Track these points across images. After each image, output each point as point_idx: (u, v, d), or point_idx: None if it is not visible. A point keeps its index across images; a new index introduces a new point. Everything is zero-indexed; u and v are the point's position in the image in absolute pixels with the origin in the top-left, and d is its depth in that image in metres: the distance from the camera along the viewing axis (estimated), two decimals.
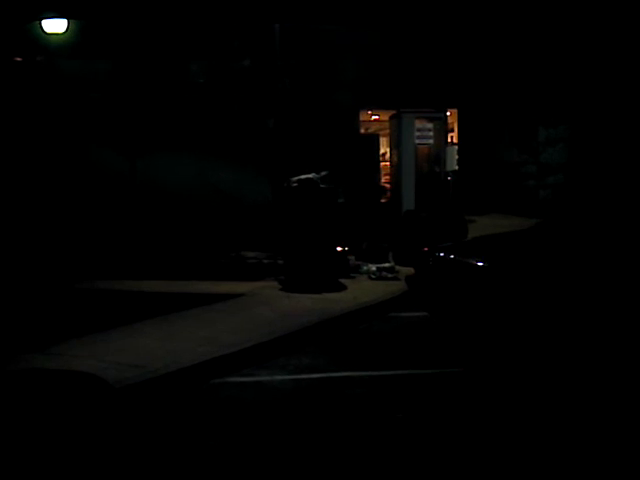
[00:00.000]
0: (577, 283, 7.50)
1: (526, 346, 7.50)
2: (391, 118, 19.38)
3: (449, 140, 19.45)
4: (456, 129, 20.19)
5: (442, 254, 8.97)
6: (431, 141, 18.64)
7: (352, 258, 12.68)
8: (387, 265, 12.24)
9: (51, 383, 6.71)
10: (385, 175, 19.81)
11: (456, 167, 18.87)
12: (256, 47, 14.68)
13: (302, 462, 5.55)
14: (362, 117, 19.51)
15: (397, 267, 12.22)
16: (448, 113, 19.46)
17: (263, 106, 14.63)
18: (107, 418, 6.29)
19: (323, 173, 11.54)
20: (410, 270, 10.09)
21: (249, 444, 5.85)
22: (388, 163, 19.95)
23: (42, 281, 10.98)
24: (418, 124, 18.47)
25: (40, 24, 13.29)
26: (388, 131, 19.84)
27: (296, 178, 11.48)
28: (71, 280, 11.42)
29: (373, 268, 12.16)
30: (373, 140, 19.51)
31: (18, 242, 11.92)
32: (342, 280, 11.62)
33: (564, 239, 8.37)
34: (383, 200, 18.60)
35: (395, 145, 18.94)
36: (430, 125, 18.62)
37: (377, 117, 20.79)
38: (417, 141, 18.27)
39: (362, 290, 11.12)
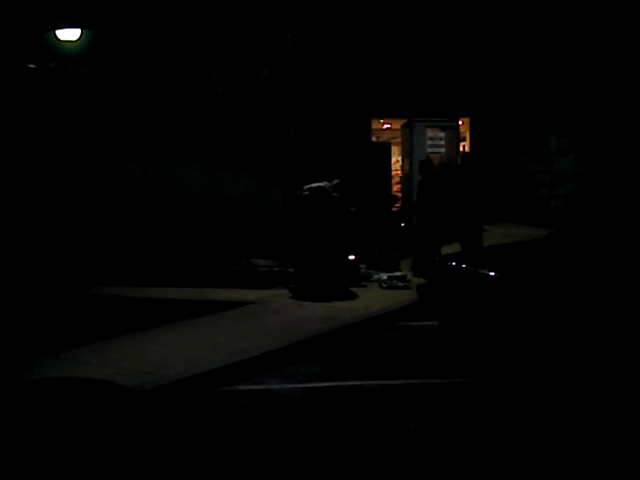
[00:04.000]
0: (588, 293, 7.48)
1: (537, 356, 7.48)
2: (403, 127, 19.40)
3: (461, 149, 19.45)
4: (468, 138, 20.19)
5: (453, 263, 8.96)
6: (443, 150, 18.64)
7: (363, 267, 12.68)
8: (398, 274, 12.23)
9: (76, 391, 6.77)
10: (396, 184, 19.82)
11: None
12: (273, 57, 14.73)
13: (312, 471, 5.54)
14: (374, 125, 19.56)
15: (409, 276, 12.21)
16: (460, 122, 19.47)
17: (281, 115, 14.66)
18: (128, 425, 6.34)
19: (335, 181, 11.55)
20: (421, 280, 10.11)
21: (259, 453, 5.84)
22: (399, 172, 19.96)
23: (54, 287, 11.01)
24: (430, 133, 18.49)
25: (54, 32, 13.35)
26: (400, 140, 19.86)
27: (307, 186, 11.49)
28: (83, 286, 11.45)
29: (384, 277, 12.15)
30: (385, 149, 19.55)
31: (29, 247, 11.96)
32: (353, 289, 11.61)
33: (576, 249, 8.34)
34: (394, 209, 18.61)
35: (407, 154, 18.95)
36: (442, 134, 18.63)
37: (389, 126, 20.82)
38: (429, 150, 18.28)
39: (373, 299, 11.11)
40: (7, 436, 5.72)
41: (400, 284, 11.92)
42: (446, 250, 12.64)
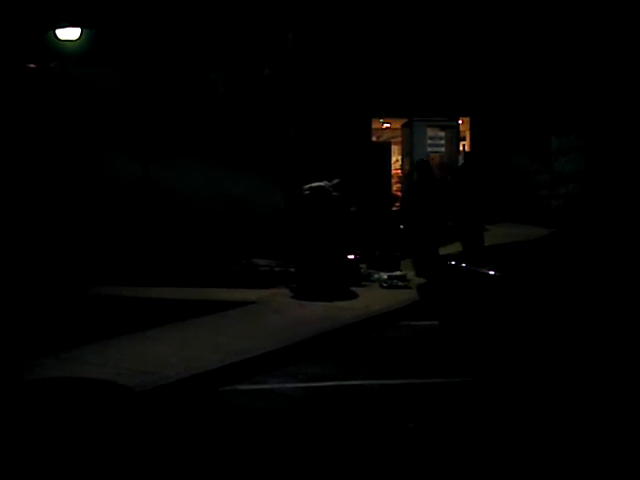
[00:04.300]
0: (589, 293, 7.47)
1: (538, 356, 7.47)
2: (403, 126, 19.41)
3: (461, 148, 19.46)
4: (468, 137, 20.19)
5: (454, 263, 8.96)
6: (443, 149, 18.65)
7: (364, 266, 12.68)
8: (398, 273, 12.22)
9: (77, 391, 6.77)
10: (396, 183, 19.83)
11: None
12: (274, 57, 14.72)
13: (313, 471, 5.54)
14: (374, 125, 19.56)
15: (409, 275, 12.21)
16: (460, 121, 19.47)
17: (282, 115, 14.65)
18: (129, 425, 6.34)
19: (335, 181, 11.55)
20: (422, 280, 10.08)
21: (260, 452, 5.84)
22: (399, 171, 19.96)
23: (54, 287, 11.01)
24: (430, 132, 18.50)
25: (54, 32, 13.35)
26: (400, 139, 19.86)
27: (308, 186, 11.48)
28: (83, 286, 11.44)
29: (384, 276, 12.14)
30: (385, 148, 19.54)
31: (30, 247, 11.95)
32: (353, 288, 11.61)
33: (576, 249, 8.34)
34: (394, 208, 18.60)
35: (407, 153, 18.96)
36: (442, 133, 18.64)
37: (389, 125, 20.82)
38: (429, 149, 18.28)
39: (373, 298, 11.10)
40: (8, 436, 5.72)
41: (400, 284, 11.91)
42: (448, 250, 12.65)
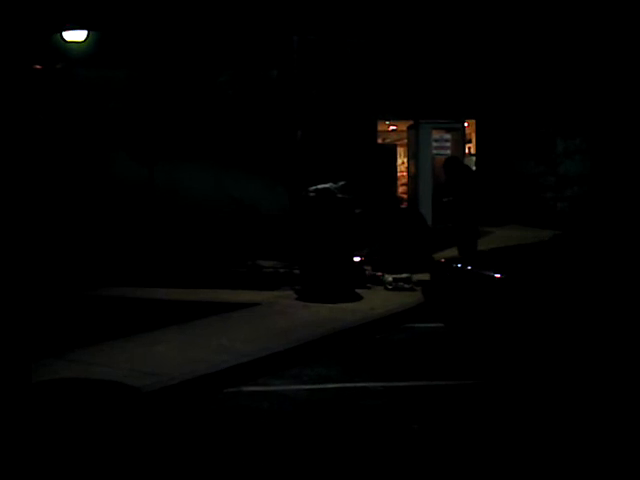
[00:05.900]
0: (594, 296, 7.47)
1: (542, 359, 7.48)
2: (409, 128, 19.38)
3: (467, 151, 19.44)
4: (474, 140, 20.16)
5: (459, 265, 8.97)
6: (449, 152, 18.61)
7: (368, 268, 12.68)
8: (404, 276, 12.21)
9: (85, 392, 6.79)
10: (402, 185, 19.82)
11: None
12: (281, 59, 14.72)
13: (317, 472, 5.55)
14: (380, 127, 19.53)
15: (414, 277, 12.21)
16: (466, 124, 19.46)
17: (289, 117, 14.65)
18: (138, 425, 6.36)
19: (340, 183, 11.55)
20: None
21: (264, 454, 5.85)
22: (405, 173, 19.95)
23: (58, 288, 11.03)
24: (435, 134, 18.46)
25: (60, 33, 13.38)
26: (406, 141, 19.84)
27: (313, 188, 11.49)
28: (89, 287, 11.47)
29: (389, 278, 12.14)
30: (390, 150, 19.53)
31: (37, 249, 11.96)
32: (358, 290, 11.61)
33: (581, 251, 8.34)
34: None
35: (412, 155, 18.94)
36: (448, 136, 18.60)
37: (395, 127, 20.80)
38: (434, 151, 18.25)
39: (378, 300, 11.11)
40: (19, 437, 5.74)
41: (406, 286, 11.90)
42: (449, 253, 12.65)
